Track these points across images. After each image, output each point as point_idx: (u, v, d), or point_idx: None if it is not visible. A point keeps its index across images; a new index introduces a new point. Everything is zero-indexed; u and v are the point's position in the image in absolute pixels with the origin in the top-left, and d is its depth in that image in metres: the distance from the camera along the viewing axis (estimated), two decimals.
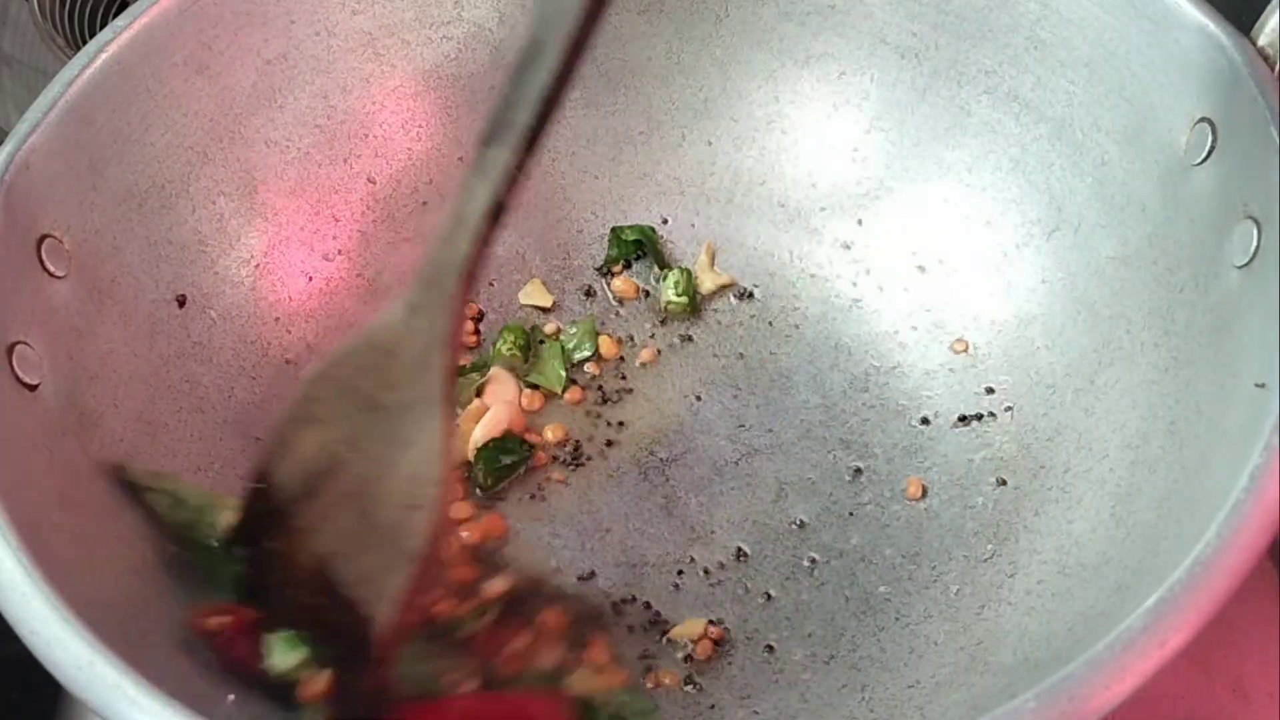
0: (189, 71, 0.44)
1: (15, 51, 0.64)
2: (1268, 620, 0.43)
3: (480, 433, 0.46)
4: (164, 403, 0.42)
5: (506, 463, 0.46)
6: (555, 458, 0.47)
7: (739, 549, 0.44)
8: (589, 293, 0.51)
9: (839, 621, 0.42)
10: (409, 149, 0.51)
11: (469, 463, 0.46)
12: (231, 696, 0.35)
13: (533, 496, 0.46)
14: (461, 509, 0.45)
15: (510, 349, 0.49)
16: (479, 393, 0.48)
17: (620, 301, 0.51)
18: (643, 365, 0.50)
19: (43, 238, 0.39)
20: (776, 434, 0.47)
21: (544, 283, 0.51)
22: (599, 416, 0.48)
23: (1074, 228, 0.45)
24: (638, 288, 0.51)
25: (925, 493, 0.44)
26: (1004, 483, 0.43)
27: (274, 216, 0.48)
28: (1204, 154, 0.38)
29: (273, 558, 0.37)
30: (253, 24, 0.46)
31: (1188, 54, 0.39)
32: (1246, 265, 0.36)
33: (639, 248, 0.52)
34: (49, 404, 0.37)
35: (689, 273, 0.51)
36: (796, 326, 0.50)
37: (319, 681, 0.36)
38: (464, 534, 0.44)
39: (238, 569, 0.38)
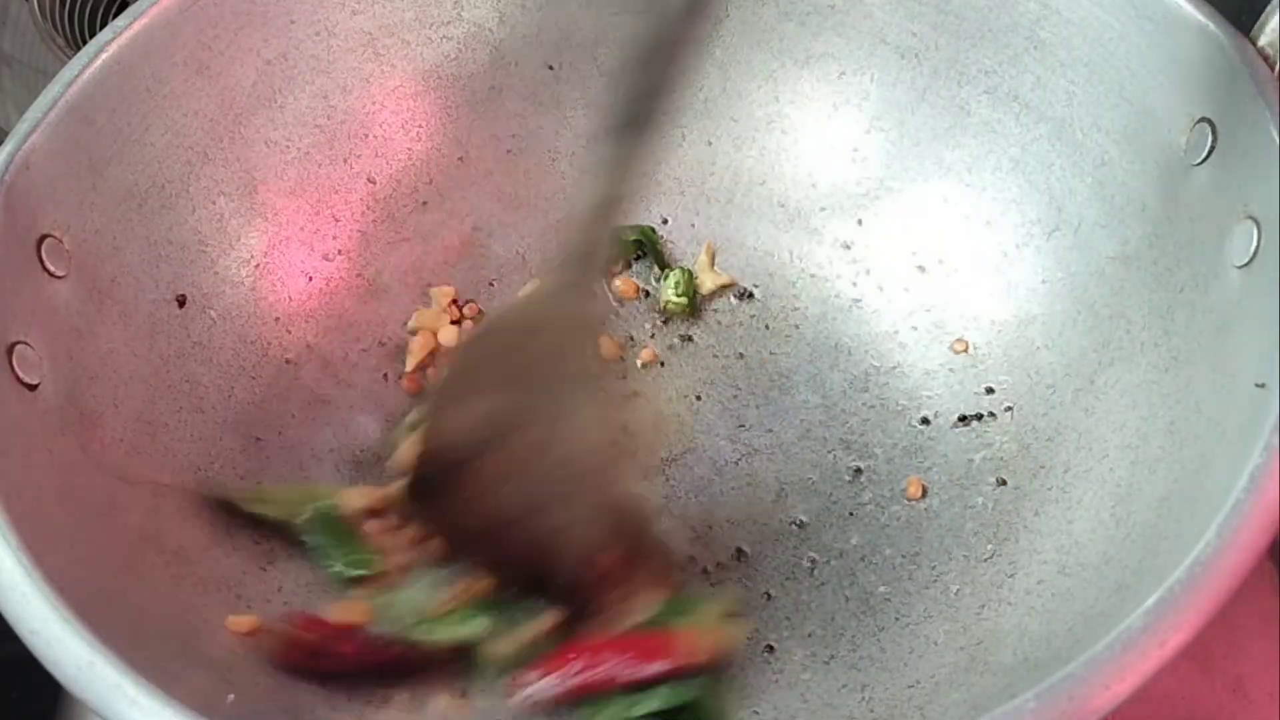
0: (189, 71, 0.44)
1: (15, 51, 0.64)
2: (1268, 620, 0.43)
3: None
4: (164, 403, 0.42)
5: None
6: None
7: (739, 549, 0.44)
8: None
9: (839, 621, 0.42)
10: (409, 149, 0.51)
11: None
12: (231, 696, 0.35)
13: None
14: None
15: None
16: None
17: (620, 301, 0.51)
18: (643, 365, 0.50)
19: (43, 238, 0.39)
20: (776, 434, 0.47)
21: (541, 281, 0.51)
22: None
23: (1074, 228, 0.45)
24: (638, 288, 0.51)
25: (925, 493, 0.44)
26: (1004, 483, 0.43)
27: (274, 216, 0.48)
28: (1204, 154, 0.38)
29: (456, 516, 0.40)
30: (253, 24, 0.46)
31: (1188, 54, 0.39)
32: (1246, 265, 0.36)
33: (639, 248, 0.52)
34: (49, 404, 0.37)
35: (689, 273, 0.51)
36: (796, 326, 0.50)
37: (506, 641, 0.39)
38: None
39: (355, 556, 0.41)
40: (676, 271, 0.50)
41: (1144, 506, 0.36)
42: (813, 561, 0.43)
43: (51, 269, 0.39)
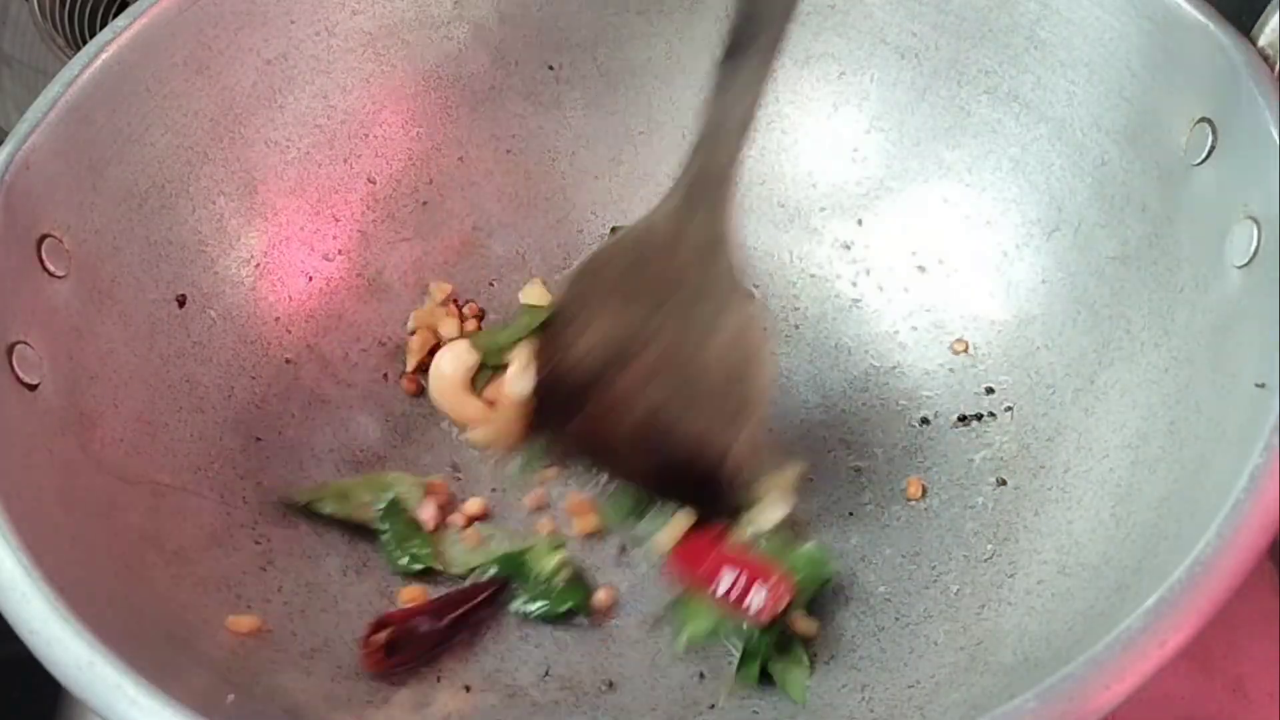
0: (189, 71, 0.44)
1: (15, 51, 0.64)
2: (1268, 620, 0.43)
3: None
4: (164, 403, 0.42)
5: None
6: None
7: None
8: None
9: (839, 621, 0.42)
10: (409, 149, 0.51)
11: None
12: (231, 696, 0.35)
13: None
14: None
15: (528, 324, 0.49)
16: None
17: None
18: None
19: (43, 238, 0.39)
20: (776, 434, 0.47)
21: (544, 283, 0.51)
22: None
23: (1074, 228, 0.45)
24: None
25: (925, 493, 0.44)
26: (1004, 483, 0.43)
27: (274, 216, 0.48)
28: (1204, 154, 0.38)
29: (592, 423, 0.42)
30: (253, 24, 0.46)
31: (1188, 54, 0.39)
32: (1246, 265, 0.36)
33: None
34: (49, 404, 0.37)
35: None
36: (796, 327, 0.50)
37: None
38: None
39: (417, 551, 0.43)
40: None
41: (1144, 506, 0.36)
42: None
43: (51, 269, 0.39)
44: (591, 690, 0.40)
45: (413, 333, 0.49)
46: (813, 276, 0.51)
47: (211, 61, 0.45)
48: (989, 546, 0.42)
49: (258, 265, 0.47)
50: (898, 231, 0.50)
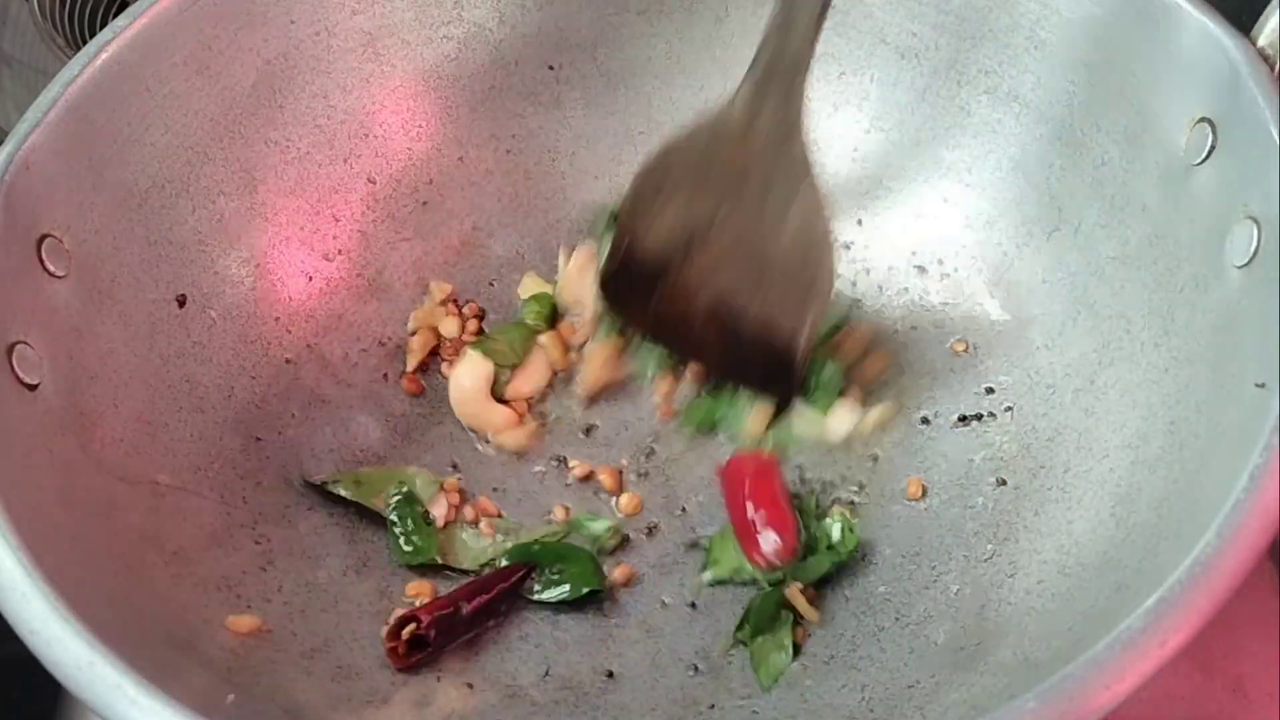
0: (189, 71, 0.44)
1: (15, 51, 0.64)
2: (1268, 620, 0.43)
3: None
4: (164, 403, 0.42)
5: None
6: (559, 458, 0.47)
7: None
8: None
9: (839, 621, 0.42)
10: (409, 149, 0.51)
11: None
12: (231, 696, 0.35)
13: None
14: None
15: (537, 313, 0.50)
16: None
17: None
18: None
19: (43, 238, 0.39)
20: (770, 453, 0.47)
21: (537, 274, 0.51)
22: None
23: (1074, 228, 0.45)
24: None
25: (925, 493, 0.44)
26: (1004, 483, 0.43)
27: (274, 216, 0.48)
28: (1204, 154, 0.38)
29: (663, 305, 0.45)
30: (253, 24, 0.46)
31: (1188, 54, 0.39)
32: (1246, 265, 0.36)
33: None
34: (49, 404, 0.37)
35: None
36: None
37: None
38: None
39: (419, 543, 0.43)
40: None
41: (1144, 506, 0.36)
42: None
43: (51, 269, 0.39)
44: (592, 689, 0.40)
45: (413, 333, 0.49)
46: None
47: (211, 61, 0.45)
48: (989, 546, 0.42)
49: (258, 265, 0.47)
50: (897, 231, 0.50)
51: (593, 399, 0.48)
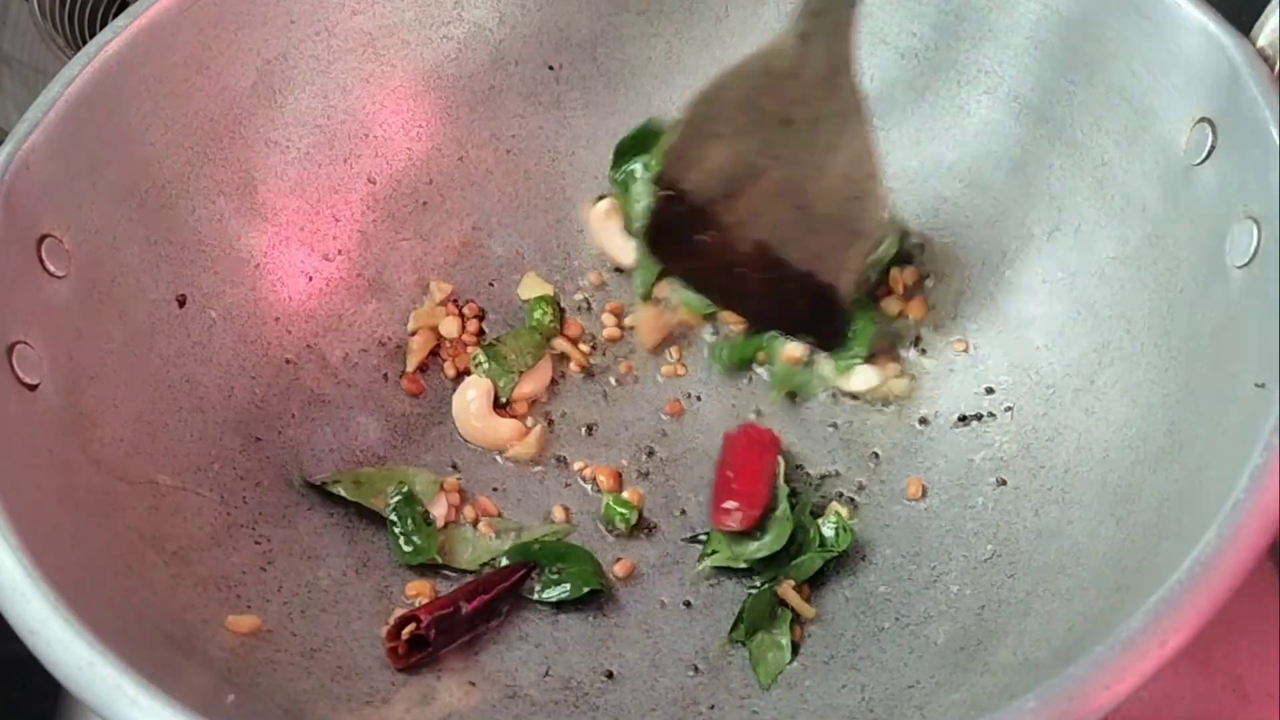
0: (189, 71, 0.44)
1: (15, 51, 0.64)
2: (1268, 620, 0.43)
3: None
4: (164, 403, 0.42)
5: None
6: (559, 457, 0.47)
7: None
8: (588, 307, 0.52)
9: (839, 621, 0.42)
10: (409, 149, 0.51)
11: None
12: (231, 696, 0.35)
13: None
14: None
15: (545, 316, 0.50)
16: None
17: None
18: (643, 365, 0.50)
19: (43, 238, 0.39)
20: (777, 434, 0.47)
21: (537, 273, 0.51)
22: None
23: (1074, 228, 0.45)
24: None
25: (925, 493, 0.44)
26: (1004, 483, 0.43)
27: (274, 216, 0.48)
28: (1204, 154, 0.38)
29: (706, 250, 0.44)
30: (253, 24, 0.46)
31: (1188, 54, 0.39)
32: (1246, 265, 0.36)
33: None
34: (49, 404, 0.37)
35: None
36: None
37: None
38: None
39: (417, 542, 0.43)
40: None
41: (1144, 506, 0.36)
42: None
43: (51, 269, 0.39)
44: (591, 689, 0.40)
45: (413, 333, 0.49)
46: None
47: (211, 61, 0.45)
48: (989, 546, 0.42)
49: (258, 265, 0.47)
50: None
51: (656, 351, 0.49)
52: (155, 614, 0.36)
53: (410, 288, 0.50)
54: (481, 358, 0.48)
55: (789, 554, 0.42)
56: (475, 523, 0.45)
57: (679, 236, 0.45)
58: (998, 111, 0.47)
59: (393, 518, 0.44)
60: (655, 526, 0.45)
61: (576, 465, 0.47)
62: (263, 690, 0.37)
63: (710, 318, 0.49)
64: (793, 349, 0.47)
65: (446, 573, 0.44)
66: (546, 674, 0.41)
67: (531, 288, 0.51)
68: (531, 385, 0.48)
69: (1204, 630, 0.28)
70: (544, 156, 0.52)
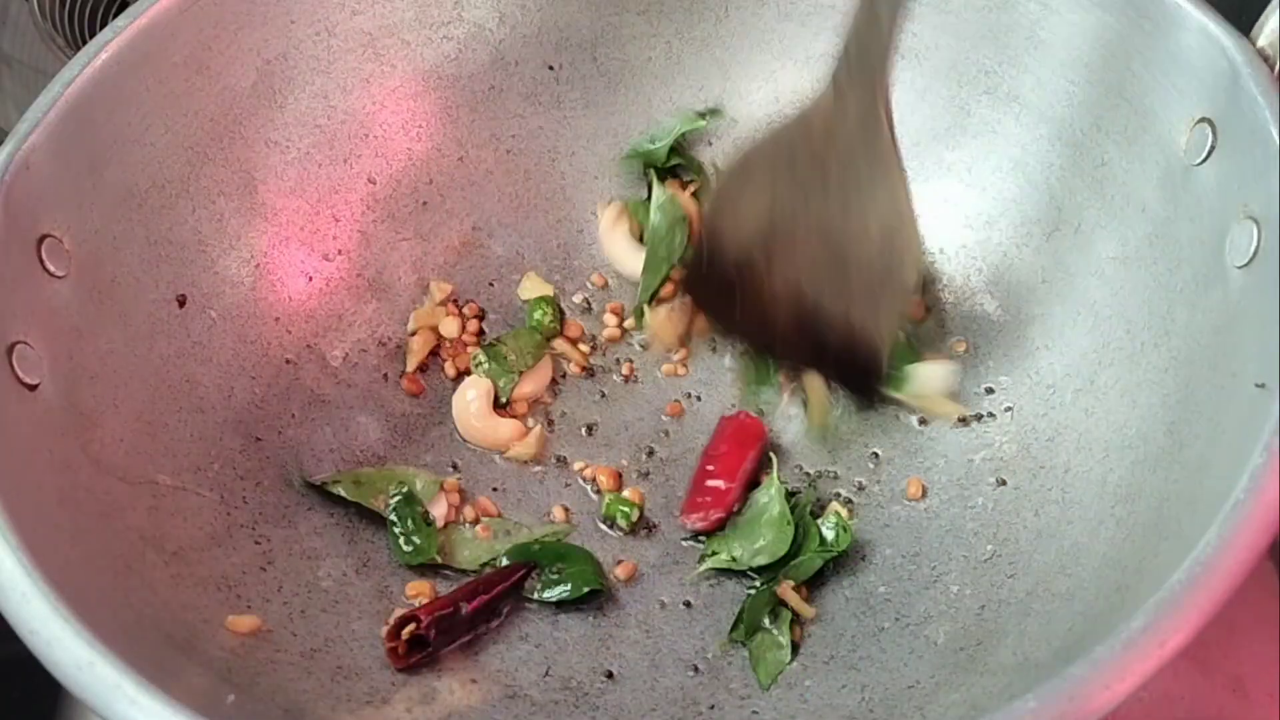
0: (189, 71, 0.44)
1: (15, 51, 0.64)
2: (1268, 620, 0.43)
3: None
4: (164, 403, 0.42)
5: None
6: (559, 457, 0.47)
7: None
8: (588, 308, 0.52)
9: (839, 621, 0.42)
10: (409, 149, 0.51)
11: None
12: (231, 696, 0.35)
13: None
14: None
15: (545, 316, 0.50)
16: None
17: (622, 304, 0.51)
18: (643, 366, 0.50)
19: (43, 238, 0.39)
20: (776, 434, 0.47)
21: (537, 274, 0.51)
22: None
23: (1074, 228, 0.45)
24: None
25: (925, 493, 0.44)
26: (1004, 483, 0.43)
27: (274, 216, 0.48)
28: (1204, 154, 0.38)
29: (744, 297, 0.45)
30: (253, 24, 0.46)
31: (1188, 54, 0.39)
32: (1246, 265, 0.36)
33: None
34: (49, 404, 0.37)
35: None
36: None
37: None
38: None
39: (416, 543, 0.43)
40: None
41: (1144, 506, 0.36)
42: None
43: (51, 269, 0.39)
44: (591, 689, 0.40)
45: (413, 333, 0.49)
46: None
47: (211, 61, 0.45)
48: (989, 547, 0.42)
49: (258, 265, 0.47)
50: None
51: (679, 349, 0.50)
52: (155, 614, 0.36)
53: (410, 288, 0.50)
54: (481, 358, 0.48)
55: (789, 554, 0.42)
56: (475, 523, 0.45)
57: (720, 291, 0.46)
58: (998, 111, 0.47)
59: (393, 518, 0.44)
60: (655, 526, 0.45)
61: (576, 465, 0.47)
62: (263, 690, 0.37)
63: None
64: (818, 408, 0.47)
65: (446, 573, 0.44)
66: (546, 674, 0.41)
67: (531, 288, 0.51)
68: (531, 385, 0.48)
69: (1204, 630, 0.28)
70: (544, 156, 0.52)
